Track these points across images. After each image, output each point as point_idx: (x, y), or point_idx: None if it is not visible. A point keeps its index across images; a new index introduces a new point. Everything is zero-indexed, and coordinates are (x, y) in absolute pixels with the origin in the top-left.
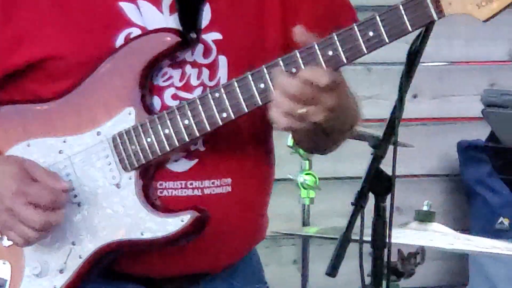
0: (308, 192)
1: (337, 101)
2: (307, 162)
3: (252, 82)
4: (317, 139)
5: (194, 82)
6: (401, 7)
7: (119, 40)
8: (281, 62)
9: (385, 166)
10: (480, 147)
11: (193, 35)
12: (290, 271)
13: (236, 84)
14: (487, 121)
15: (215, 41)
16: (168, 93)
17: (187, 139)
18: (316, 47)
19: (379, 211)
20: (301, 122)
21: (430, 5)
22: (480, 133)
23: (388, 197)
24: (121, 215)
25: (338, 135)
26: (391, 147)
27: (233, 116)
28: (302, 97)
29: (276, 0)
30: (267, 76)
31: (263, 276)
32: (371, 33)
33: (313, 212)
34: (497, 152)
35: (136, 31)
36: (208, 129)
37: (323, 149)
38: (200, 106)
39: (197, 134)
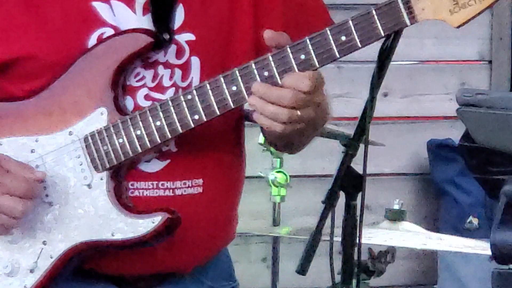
0: (279, 190)
1: (322, 99)
2: (278, 160)
3: (224, 85)
4: (292, 137)
5: (166, 82)
6: (373, 12)
7: (92, 40)
8: (253, 65)
9: (355, 165)
10: (450, 146)
11: (166, 36)
12: (259, 269)
13: (208, 86)
14: (462, 120)
15: (188, 42)
16: (140, 94)
17: (158, 141)
18: (289, 50)
19: (349, 210)
20: (295, 124)
21: (403, 10)
22: (450, 132)
23: (359, 195)
24: (92, 215)
25: (312, 133)
26: (361, 145)
27: (205, 119)
28: (292, 104)
29: (248, 2)
30: (239, 79)
31: (233, 273)
32: (343, 38)
33: (283, 210)
34: (471, 152)
35: (109, 31)
36: (180, 131)
37: (295, 148)
38: (172, 108)
39: (169, 136)
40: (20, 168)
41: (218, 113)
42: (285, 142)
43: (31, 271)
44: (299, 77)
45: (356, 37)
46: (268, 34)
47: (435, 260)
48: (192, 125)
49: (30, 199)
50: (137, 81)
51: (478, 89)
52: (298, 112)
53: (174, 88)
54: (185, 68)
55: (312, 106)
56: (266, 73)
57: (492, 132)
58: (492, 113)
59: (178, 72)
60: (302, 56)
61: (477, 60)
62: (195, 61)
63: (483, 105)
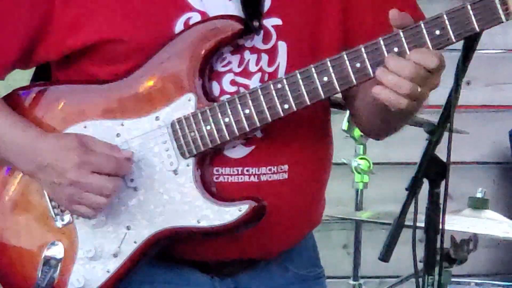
0: (362, 177)
1: (437, 83)
2: (361, 146)
3: (315, 75)
4: (394, 119)
5: (252, 68)
6: (469, 7)
7: (179, 25)
8: (345, 56)
9: (437, 153)
10: None
11: (256, 23)
12: (340, 256)
13: (299, 76)
14: None
15: (274, 27)
16: (226, 79)
17: (247, 129)
18: (381, 42)
19: (433, 197)
20: (411, 101)
21: (498, 6)
22: None
23: (442, 183)
24: (177, 201)
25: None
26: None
27: (295, 108)
28: (415, 79)
29: None
30: (330, 69)
31: (318, 260)
32: (437, 32)
33: (366, 196)
34: None
35: (196, 16)
36: (269, 119)
37: (388, 132)
38: (261, 96)
39: (258, 124)
40: (107, 147)
41: (308, 103)
42: (382, 125)
43: (115, 255)
44: (427, 53)
45: (450, 32)
46: (393, 14)
47: None
48: (282, 114)
49: (119, 177)
50: (223, 66)
51: None
52: (419, 88)
53: (260, 73)
54: (272, 53)
55: (429, 86)
56: (358, 65)
57: None
58: None
59: (264, 57)
60: (395, 49)
61: None
62: (282, 46)
63: None
